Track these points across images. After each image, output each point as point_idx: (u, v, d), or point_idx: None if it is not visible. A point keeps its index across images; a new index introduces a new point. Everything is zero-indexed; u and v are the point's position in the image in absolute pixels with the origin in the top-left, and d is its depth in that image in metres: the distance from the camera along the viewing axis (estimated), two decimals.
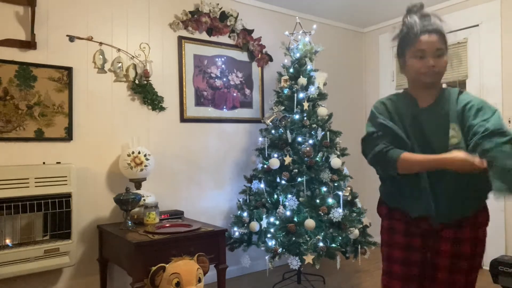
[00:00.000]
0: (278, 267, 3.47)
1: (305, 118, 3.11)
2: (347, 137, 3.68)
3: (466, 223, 1.57)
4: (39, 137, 2.62)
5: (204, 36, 3.39)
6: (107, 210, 2.89)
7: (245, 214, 3.06)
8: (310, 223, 2.77)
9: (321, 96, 3.25)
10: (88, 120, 2.82)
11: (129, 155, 2.77)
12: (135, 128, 3.02)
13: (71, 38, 2.76)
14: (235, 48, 3.56)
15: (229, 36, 3.53)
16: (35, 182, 2.40)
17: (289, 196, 2.92)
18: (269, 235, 2.91)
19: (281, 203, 2.95)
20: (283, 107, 3.20)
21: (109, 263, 2.77)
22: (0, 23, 2.52)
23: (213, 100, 3.43)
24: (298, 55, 3.25)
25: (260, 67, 3.72)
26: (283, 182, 3.01)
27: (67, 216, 2.50)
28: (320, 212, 2.84)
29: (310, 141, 3.07)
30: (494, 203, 3.58)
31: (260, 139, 3.24)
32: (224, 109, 3.49)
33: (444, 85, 1.73)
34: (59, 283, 2.69)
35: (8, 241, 2.38)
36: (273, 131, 3.18)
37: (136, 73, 2.99)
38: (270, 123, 3.19)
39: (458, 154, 1.39)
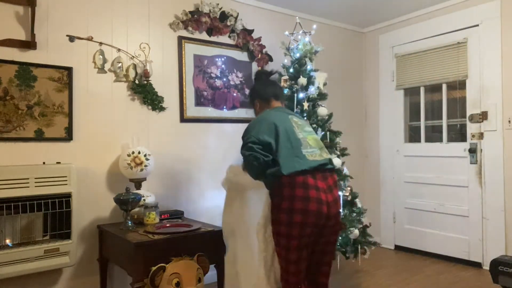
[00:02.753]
0: None
1: (305, 118, 3.11)
2: (347, 137, 3.68)
3: None
4: (39, 137, 2.62)
5: (204, 36, 3.39)
6: (107, 210, 2.89)
7: None
8: None
9: (321, 96, 3.25)
10: (88, 120, 2.82)
11: (129, 155, 2.77)
12: (135, 128, 3.02)
13: (71, 38, 2.76)
14: (235, 48, 3.56)
15: (229, 36, 3.53)
16: (35, 182, 2.40)
17: None
18: None
19: None
20: None
21: (109, 263, 2.77)
22: (0, 23, 2.52)
23: (213, 100, 3.43)
24: (298, 55, 3.25)
25: (260, 67, 3.72)
26: None
27: (67, 216, 2.50)
28: None
29: None
30: (494, 202, 3.56)
31: None
32: (224, 109, 3.49)
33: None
34: (59, 283, 2.69)
35: (8, 241, 2.38)
36: None
37: (136, 73, 2.99)
38: None
39: None
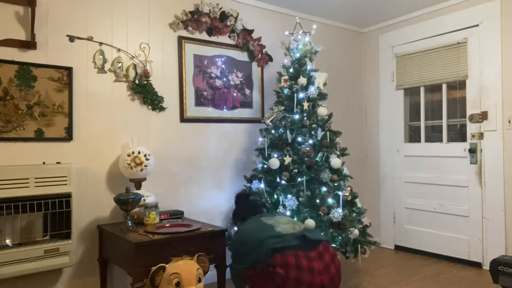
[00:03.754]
0: None
1: (305, 118, 3.11)
2: (347, 137, 3.68)
3: None
4: (39, 137, 2.62)
5: (204, 36, 3.39)
6: (107, 210, 2.89)
7: None
8: (310, 223, 2.77)
9: (321, 96, 3.25)
10: (88, 120, 2.82)
11: (129, 155, 2.77)
12: (135, 128, 3.02)
13: (71, 38, 2.76)
14: (235, 48, 3.56)
15: (229, 36, 3.53)
16: (35, 182, 2.40)
17: (289, 196, 2.92)
18: None
19: (281, 203, 2.95)
20: (283, 107, 3.20)
21: (109, 263, 2.77)
22: (0, 23, 2.52)
23: (213, 100, 3.43)
24: (298, 55, 3.25)
25: (260, 67, 3.72)
26: (283, 182, 3.01)
27: (67, 216, 2.50)
28: (320, 212, 2.85)
29: (310, 141, 3.07)
30: (494, 202, 3.58)
31: (260, 139, 3.24)
32: (224, 109, 3.49)
33: None
34: (59, 283, 2.69)
35: (8, 241, 2.38)
36: (273, 131, 3.18)
37: (136, 73, 2.99)
38: (270, 123, 3.19)
39: None
